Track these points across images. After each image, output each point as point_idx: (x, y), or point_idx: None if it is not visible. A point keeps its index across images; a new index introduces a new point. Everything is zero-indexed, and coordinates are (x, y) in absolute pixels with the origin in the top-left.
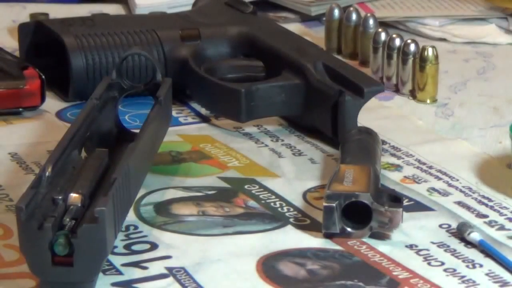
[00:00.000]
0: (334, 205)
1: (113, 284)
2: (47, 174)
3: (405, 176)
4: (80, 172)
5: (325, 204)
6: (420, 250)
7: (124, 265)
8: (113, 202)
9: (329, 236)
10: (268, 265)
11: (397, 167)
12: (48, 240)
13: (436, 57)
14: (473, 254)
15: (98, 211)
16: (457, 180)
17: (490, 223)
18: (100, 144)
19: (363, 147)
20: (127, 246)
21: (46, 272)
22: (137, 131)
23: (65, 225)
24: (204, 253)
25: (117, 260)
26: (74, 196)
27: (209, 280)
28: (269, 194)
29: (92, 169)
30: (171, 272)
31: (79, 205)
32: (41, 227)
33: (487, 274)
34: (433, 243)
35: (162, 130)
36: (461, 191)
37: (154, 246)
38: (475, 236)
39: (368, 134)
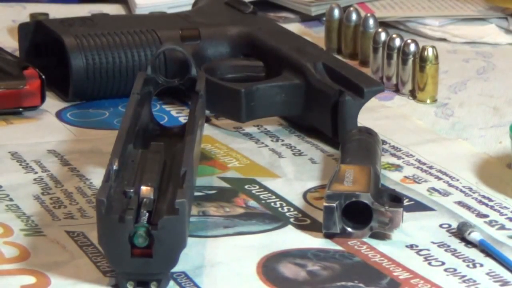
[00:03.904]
0: (334, 205)
1: (113, 286)
2: (114, 167)
3: (405, 176)
4: (144, 165)
5: (325, 204)
6: (421, 250)
7: None
8: (187, 194)
9: (329, 236)
10: (268, 267)
11: (397, 167)
12: (128, 232)
13: (436, 57)
14: (474, 253)
15: (179, 203)
16: (457, 180)
17: (491, 223)
18: (142, 138)
19: (363, 147)
20: None
21: (125, 263)
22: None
23: (141, 217)
24: (204, 256)
25: None
26: (146, 188)
27: (210, 284)
28: (270, 194)
29: (155, 162)
30: (172, 276)
31: (152, 197)
32: (122, 220)
33: (487, 274)
34: (433, 243)
35: (203, 124)
36: (461, 191)
37: None
38: (475, 236)
39: (368, 134)
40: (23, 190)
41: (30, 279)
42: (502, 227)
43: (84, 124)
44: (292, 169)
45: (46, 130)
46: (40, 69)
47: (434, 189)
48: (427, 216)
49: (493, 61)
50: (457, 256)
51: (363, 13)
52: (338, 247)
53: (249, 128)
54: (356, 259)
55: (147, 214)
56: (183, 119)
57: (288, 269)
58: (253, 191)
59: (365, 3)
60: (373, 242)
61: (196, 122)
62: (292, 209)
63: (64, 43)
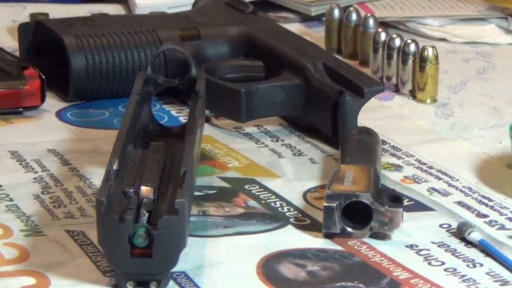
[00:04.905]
0: (334, 205)
1: (113, 286)
2: (114, 167)
3: (405, 176)
4: (144, 165)
5: (325, 204)
6: (421, 250)
7: None
8: (187, 194)
9: (329, 236)
10: (268, 267)
11: (397, 167)
12: (128, 232)
13: (436, 57)
14: (474, 253)
15: (178, 203)
16: (457, 180)
17: (490, 223)
18: (142, 138)
19: (363, 147)
20: None
21: (125, 264)
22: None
23: (140, 217)
24: (204, 256)
25: None
26: (145, 188)
27: (210, 284)
28: (269, 194)
29: (155, 162)
30: (172, 276)
31: (151, 197)
32: (122, 220)
33: (487, 273)
34: (433, 243)
35: (203, 124)
36: (461, 191)
37: None
38: (475, 236)
39: (368, 134)
40: (23, 189)
41: (30, 280)
42: (502, 227)
43: (84, 123)
44: (292, 169)
45: (46, 129)
46: (40, 69)
47: (434, 189)
48: (427, 216)
49: (493, 61)
50: (457, 256)
51: (363, 13)
52: (338, 247)
53: (249, 128)
54: (356, 259)
55: (147, 214)
56: (183, 119)
57: (288, 269)
58: (253, 191)
59: (365, 3)
60: (373, 242)
61: (196, 122)
62: (292, 209)
63: (64, 43)
